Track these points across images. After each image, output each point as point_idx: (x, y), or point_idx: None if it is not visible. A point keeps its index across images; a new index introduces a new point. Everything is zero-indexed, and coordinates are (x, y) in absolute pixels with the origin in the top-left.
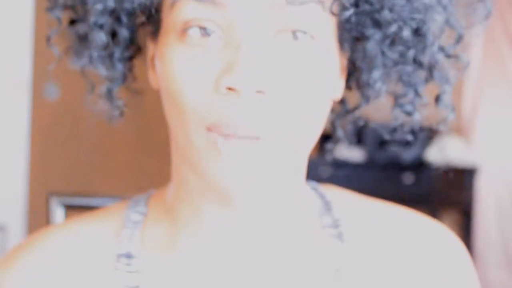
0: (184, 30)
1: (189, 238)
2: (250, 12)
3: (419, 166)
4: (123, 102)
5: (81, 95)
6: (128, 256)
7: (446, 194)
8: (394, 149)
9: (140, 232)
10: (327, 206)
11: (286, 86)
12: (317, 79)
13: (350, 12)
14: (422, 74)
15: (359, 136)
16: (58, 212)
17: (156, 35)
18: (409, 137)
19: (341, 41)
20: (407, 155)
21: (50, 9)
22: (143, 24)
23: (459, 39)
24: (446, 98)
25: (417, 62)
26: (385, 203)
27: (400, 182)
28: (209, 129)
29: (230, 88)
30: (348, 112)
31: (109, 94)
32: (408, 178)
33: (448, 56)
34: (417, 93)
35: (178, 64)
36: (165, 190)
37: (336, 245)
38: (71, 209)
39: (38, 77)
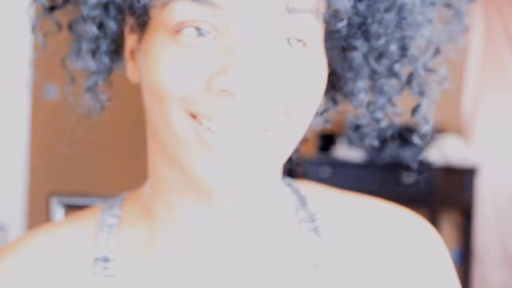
0: (178, 29)
1: (165, 236)
2: (247, 16)
3: (419, 166)
4: (106, 97)
5: (81, 95)
6: (105, 260)
7: (446, 194)
8: (394, 149)
9: (116, 235)
10: (302, 201)
11: (278, 89)
12: (308, 85)
13: (344, 23)
14: (398, 83)
15: None
16: (58, 212)
17: (142, 28)
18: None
19: (327, 49)
20: (407, 155)
21: None
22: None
23: (436, 52)
24: (423, 109)
25: (397, 74)
26: (361, 196)
27: (400, 182)
28: (193, 116)
29: (224, 90)
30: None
31: (94, 88)
32: (408, 178)
33: (428, 70)
34: (391, 102)
35: (169, 61)
36: (140, 191)
37: (313, 239)
38: (71, 209)
39: (38, 77)
